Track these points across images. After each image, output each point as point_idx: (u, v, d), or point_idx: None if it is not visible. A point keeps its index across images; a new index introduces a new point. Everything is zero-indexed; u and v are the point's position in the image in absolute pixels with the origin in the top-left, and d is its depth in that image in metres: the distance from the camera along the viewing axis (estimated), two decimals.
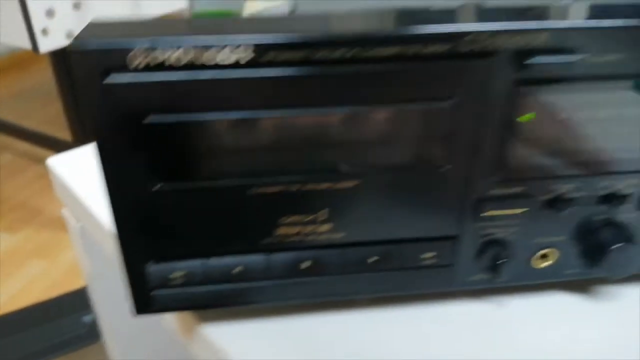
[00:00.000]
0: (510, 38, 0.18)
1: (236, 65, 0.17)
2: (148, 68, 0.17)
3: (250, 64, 0.17)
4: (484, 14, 0.19)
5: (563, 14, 0.19)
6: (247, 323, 0.23)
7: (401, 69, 0.18)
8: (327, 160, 0.20)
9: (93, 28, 0.18)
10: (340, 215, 0.21)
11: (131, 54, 0.17)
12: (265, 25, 0.18)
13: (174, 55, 0.17)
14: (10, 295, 1.14)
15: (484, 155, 0.20)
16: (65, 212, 0.39)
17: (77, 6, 1.14)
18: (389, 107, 0.19)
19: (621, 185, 0.22)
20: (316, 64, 0.17)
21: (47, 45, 1.11)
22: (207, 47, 0.17)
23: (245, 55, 0.17)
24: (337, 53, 0.17)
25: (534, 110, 0.19)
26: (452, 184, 0.21)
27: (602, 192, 0.22)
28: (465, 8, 0.19)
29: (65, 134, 1.33)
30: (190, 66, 0.17)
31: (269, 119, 0.18)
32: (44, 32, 1.10)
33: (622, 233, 0.22)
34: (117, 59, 0.17)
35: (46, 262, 1.23)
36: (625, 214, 0.22)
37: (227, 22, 0.19)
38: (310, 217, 0.21)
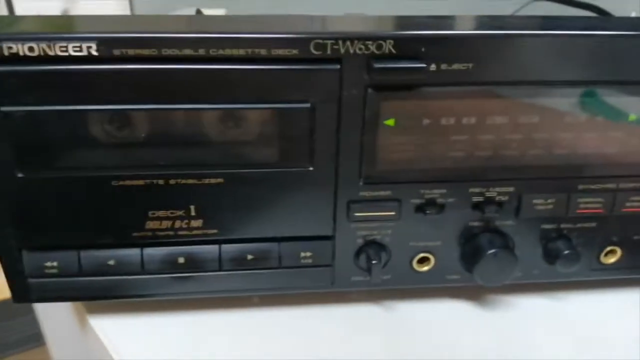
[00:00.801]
0: (356, 44, 0.18)
1: (88, 58, 0.17)
2: (3, 60, 0.17)
3: (101, 58, 0.18)
4: (345, 22, 0.19)
5: (426, 22, 0.19)
6: (137, 316, 0.24)
7: (253, 70, 0.18)
8: (192, 155, 0.20)
9: None
10: (210, 211, 0.21)
11: None
12: (124, 23, 0.18)
13: (25, 47, 0.17)
14: None
15: (348, 157, 0.20)
16: None
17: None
18: (244, 105, 0.19)
19: (494, 192, 0.22)
20: (165, 60, 0.18)
21: None
22: (56, 40, 0.17)
23: (92, 48, 0.17)
24: (186, 51, 0.18)
25: (394, 115, 0.20)
26: (320, 184, 0.21)
27: (475, 199, 0.22)
28: (331, 18, 0.20)
29: None
30: (44, 58, 0.17)
31: (129, 111, 0.19)
32: None
33: (498, 240, 0.22)
34: None
35: None
36: (503, 222, 0.23)
37: (89, 21, 0.19)
38: (180, 213, 0.21)
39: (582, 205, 0.22)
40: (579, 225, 0.23)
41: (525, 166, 0.21)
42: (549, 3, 0.40)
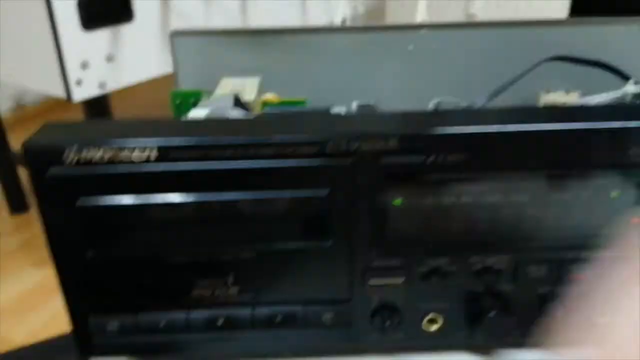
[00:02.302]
0: (365, 141, 0.22)
1: (147, 160, 0.22)
2: (79, 163, 0.22)
3: (158, 160, 0.22)
4: (349, 122, 0.23)
5: (424, 120, 0.23)
6: None
7: (281, 165, 0.22)
8: (229, 235, 0.24)
9: (45, 129, 0.23)
10: (244, 280, 0.25)
11: (65, 153, 0.21)
12: (174, 129, 0.23)
13: (97, 155, 0.21)
14: (31, 330, 1.20)
15: (362, 233, 0.24)
16: None
17: (110, 58, 1.24)
18: (276, 194, 0.23)
19: (491, 261, 0.25)
20: (212, 159, 0.22)
21: (80, 94, 1.21)
22: (122, 149, 0.21)
23: (152, 154, 0.21)
24: (228, 151, 0.22)
25: (402, 196, 0.23)
26: (339, 256, 0.24)
27: (475, 268, 0.25)
28: (346, 117, 0.24)
29: None
30: (111, 162, 0.22)
31: (180, 203, 0.23)
32: (78, 82, 1.20)
33: (499, 303, 0.25)
34: (55, 156, 0.21)
35: None
36: (503, 285, 0.25)
37: (148, 126, 0.23)
38: (220, 281, 0.25)
39: (573, 272, 0.25)
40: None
41: (519, 239, 0.24)
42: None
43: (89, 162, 0.22)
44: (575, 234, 0.24)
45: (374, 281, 0.25)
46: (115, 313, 0.25)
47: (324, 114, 0.24)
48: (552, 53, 0.42)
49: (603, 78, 0.43)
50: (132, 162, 0.22)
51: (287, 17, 1.69)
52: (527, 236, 0.24)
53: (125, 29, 1.25)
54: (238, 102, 0.32)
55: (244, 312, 0.25)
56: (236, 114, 0.26)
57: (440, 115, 0.23)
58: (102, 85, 1.24)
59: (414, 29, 0.43)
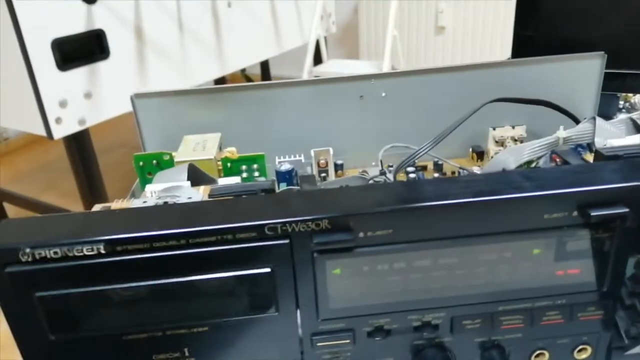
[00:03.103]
0: (300, 224, 0.23)
1: (97, 254, 0.23)
2: (33, 261, 0.23)
3: (107, 254, 0.23)
4: (285, 205, 0.25)
5: (352, 200, 0.25)
6: None
7: (225, 249, 0.24)
8: (182, 312, 0.25)
9: (4, 227, 0.25)
10: (200, 351, 0.26)
11: (20, 252, 0.23)
12: (121, 222, 0.24)
13: (50, 253, 0.23)
14: None
15: (306, 301, 0.26)
16: None
17: (88, 95, 1.26)
18: (220, 275, 0.24)
19: (429, 317, 0.27)
20: (157, 250, 0.23)
21: (60, 132, 1.22)
22: (72, 246, 0.23)
23: (100, 248, 0.23)
24: (171, 242, 0.23)
25: (339, 266, 0.25)
26: (287, 325, 0.26)
27: (415, 324, 0.27)
28: (286, 196, 0.25)
29: (79, 207, 1.43)
30: (63, 258, 0.23)
31: (132, 287, 0.24)
32: (57, 120, 1.22)
33: (439, 354, 0.27)
34: (10, 256, 0.23)
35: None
36: (445, 338, 0.27)
37: (96, 220, 0.25)
38: (176, 355, 0.26)
39: (505, 322, 0.27)
40: (506, 336, 0.27)
41: (452, 296, 0.26)
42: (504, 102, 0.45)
43: (42, 260, 0.23)
44: (503, 288, 0.26)
45: (321, 343, 0.27)
46: None
47: (262, 198, 0.26)
48: (499, 92, 0.45)
49: (546, 112, 0.45)
50: (83, 257, 0.23)
51: (263, 43, 1.72)
52: (459, 293, 0.26)
53: (102, 66, 1.27)
54: (193, 170, 0.33)
55: None
56: (187, 193, 0.28)
57: (370, 190, 0.25)
58: (81, 121, 1.25)
59: (364, 79, 0.45)
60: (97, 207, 0.29)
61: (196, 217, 0.24)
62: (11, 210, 1.67)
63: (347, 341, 0.27)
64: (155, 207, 0.26)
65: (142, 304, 0.25)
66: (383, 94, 0.45)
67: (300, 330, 0.26)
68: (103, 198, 1.36)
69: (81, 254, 0.23)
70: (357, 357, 0.27)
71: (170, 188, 0.29)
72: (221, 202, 0.25)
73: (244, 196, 0.27)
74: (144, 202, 0.27)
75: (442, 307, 0.26)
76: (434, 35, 1.85)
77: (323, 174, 0.45)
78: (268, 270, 0.24)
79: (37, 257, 0.23)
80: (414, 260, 0.25)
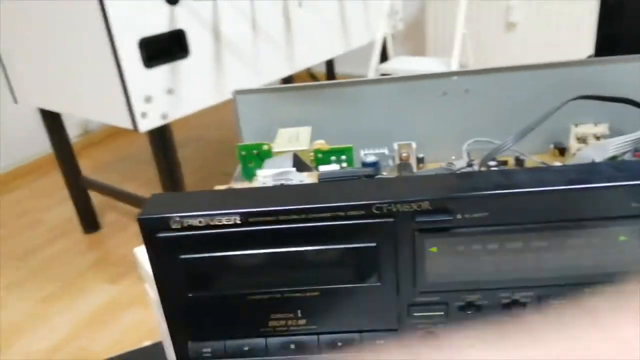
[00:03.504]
0: (402, 205, 0.27)
1: (233, 225, 0.28)
2: (181, 229, 0.28)
3: (241, 224, 0.28)
4: (389, 187, 0.28)
5: (450, 184, 0.28)
6: None
7: (337, 224, 0.28)
8: (299, 279, 0.30)
9: (154, 200, 0.30)
10: (311, 314, 0.30)
11: (170, 221, 0.28)
12: (251, 198, 0.29)
13: (195, 222, 0.28)
14: (105, 345, 1.32)
15: (406, 275, 0.29)
16: (147, 287, 0.51)
17: (170, 92, 1.35)
18: (333, 247, 0.28)
19: (518, 296, 0.29)
20: (282, 222, 0.28)
21: (145, 125, 1.33)
22: (213, 217, 0.28)
23: (236, 220, 0.28)
24: (293, 216, 0.27)
25: (437, 245, 0.28)
26: (387, 294, 0.29)
27: (504, 301, 0.29)
28: (388, 182, 0.29)
29: None
30: (205, 227, 0.28)
31: (260, 254, 0.29)
32: (143, 115, 1.32)
33: None
34: (163, 224, 0.28)
35: (142, 313, 1.40)
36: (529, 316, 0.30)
37: (230, 197, 0.30)
38: (291, 315, 0.30)
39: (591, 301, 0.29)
40: None
41: (540, 277, 0.29)
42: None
43: (188, 227, 0.28)
44: (589, 272, 0.28)
45: (418, 314, 0.30)
46: (209, 340, 0.32)
47: (367, 181, 0.29)
48: (580, 90, 0.46)
49: (628, 110, 0.46)
50: (222, 226, 0.28)
51: (330, 42, 1.76)
52: (547, 275, 0.29)
53: (182, 64, 1.36)
54: (296, 160, 0.37)
55: (311, 339, 0.31)
56: (297, 177, 0.32)
57: (466, 179, 0.28)
58: (164, 116, 1.35)
59: (446, 76, 0.47)
60: (221, 187, 0.34)
61: (312, 196, 0.28)
62: (96, 197, 1.81)
63: (441, 313, 0.30)
64: (276, 187, 0.31)
65: (266, 269, 0.29)
66: (465, 90, 0.48)
67: (399, 301, 0.30)
68: (181, 188, 1.46)
69: (220, 223, 0.28)
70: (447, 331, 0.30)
71: (281, 173, 0.33)
72: (331, 184, 0.29)
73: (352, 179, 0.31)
74: (263, 183, 0.32)
75: (531, 286, 0.29)
76: (505, 32, 1.82)
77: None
78: (374, 244, 0.28)
79: (185, 225, 0.28)
80: (506, 242, 0.28)
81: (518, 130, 0.42)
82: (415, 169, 0.48)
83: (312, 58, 1.75)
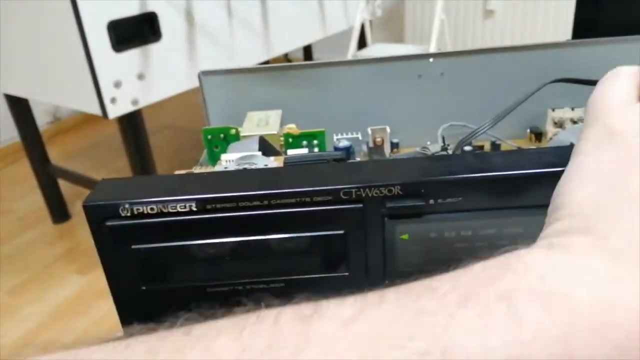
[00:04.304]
0: (371, 189, 0.25)
1: (188, 212, 0.26)
2: (132, 216, 0.26)
3: (197, 211, 0.26)
4: (358, 171, 0.26)
5: (423, 168, 0.26)
6: None
7: (303, 211, 0.26)
8: (263, 269, 0.28)
9: (103, 185, 0.27)
10: (276, 306, 0.28)
11: (120, 207, 0.26)
12: (209, 183, 0.27)
13: (146, 209, 0.26)
14: (75, 336, 1.28)
15: (375, 264, 0.27)
16: None
17: (140, 77, 1.31)
18: (297, 235, 0.26)
19: None
20: (242, 209, 0.26)
21: (115, 111, 1.28)
22: (166, 203, 0.25)
23: (192, 206, 0.25)
24: (255, 202, 0.25)
25: (408, 232, 0.26)
26: (355, 285, 0.28)
27: None
28: (357, 166, 0.27)
29: None
30: (158, 214, 0.26)
31: (219, 244, 0.27)
32: (112, 100, 1.27)
33: None
34: (111, 211, 0.26)
35: (112, 304, 1.36)
36: None
37: (186, 181, 0.27)
38: (254, 308, 0.28)
39: None
40: None
41: None
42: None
43: (139, 215, 0.26)
44: None
45: None
46: None
47: (336, 165, 0.27)
48: (558, 74, 0.45)
49: None
50: (176, 213, 0.26)
51: (308, 27, 1.73)
52: None
53: (154, 48, 1.31)
54: (263, 143, 0.35)
55: None
56: (262, 161, 0.30)
57: (438, 163, 0.27)
58: (134, 102, 1.30)
59: (421, 59, 0.46)
60: (180, 172, 0.31)
61: (276, 180, 0.26)
62: (65, 187, 1.76)
63: None
64: (238, 171, 0.28)
65: (226, 259, 0.27)
66: (441, 74, 0.46)
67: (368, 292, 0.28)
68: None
69: (175, 210, 0.26)
70: None
71: (246, 156, 0.31)
72: (298, 168, 0.27)
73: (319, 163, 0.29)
74: (225, 167, 0.30)
75: None
76: (483, 19, 1.82)
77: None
78: (341, 232, 0.26)
79: (135, 212, 0.26)
80: (480, 229, 0.26)
81: (494, 114, 0.41)
82: (388, 154, 0.46)
83: (290, 43, 1.72)
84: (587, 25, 0.44)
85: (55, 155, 1.85)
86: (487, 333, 0.14)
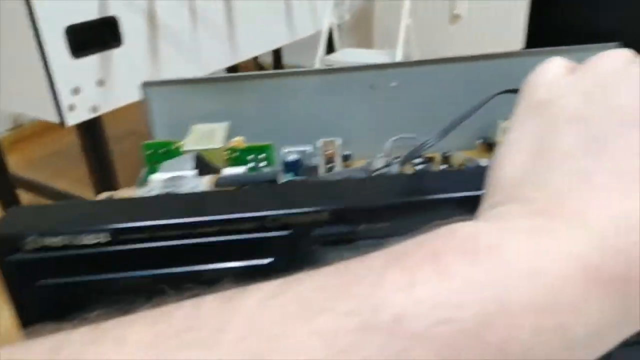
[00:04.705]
0: (298, 217, 0.23)
1: (99, 244, 0.23)
2: (37, 250, 0.23)
3: (109, 243, 0.23)
4: (286, 196, 0.25)
5: (354, 192, 0.25)
6: None
7: (226, 240, 0.24)
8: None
9: (12, 213, 0.25)
10: None
11: (24, 240, 0.23)
12: (124, 211, 0.24)
13: (53, 241, 0.23)
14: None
15: None
16: None
17: (100, 83, 1.27)
18: (222, 265, 0.24)
19: None
20: (159, 239, 0.24)
21: (73, 119, 1.23)
22: (75, 235, 0.23)
23: (103, 238, 0.23)
24: (172, 232, 0.23)
25: (339, 258, 0.25)
26: None
27: None
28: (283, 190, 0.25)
29: (90, 194, 1.45)
30: (67, 247, 0.23)
31: (133, 276, 0.24)
32: (71, 107, 1.22)
33: None
34: (15, 244, 0.23)
35: None
36: None
37: (100, 209, 0.25)
38: None
39: None
40: None
41: None
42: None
43: (46, 248, 0.23)
44: None
45: None
46: None
47: (265, 188, 0.26)
48: (510, 83, 0.44)
49: None
50: (85, 246, 0.23)
51: (275, 31, 1.71)
52: None
53: (115, 53, 1.27)
54: (200, 160, 0.33)
55: None
56: (191, 183, 0.28)
57: (369, 185, 0.25)
58: (94, 109, 1.26)
59: (375, 69, 0.44)
60: (102, 196, 0.29)
61: (198, 207, 0.24)
62: (24, 197, 1.70)
63: None
64: (158, 197, 0.26)
65: (144, 293, 0.25)
66: (393, 84, 0.45)
67: None
68: (114, 185, 1.38)
69: (83, 243, 0.23)
70: None
71: (174, 177, 0.29)
72: (223, 193, 0.25)
73: (246, 187, 0.27)
74: (149, 191, 0.27)
75: None
76: (449, 24, 1.83)
77: (330, 165, 0.44)
78: (269, 261, 0.24)
79: (42, 245, 0.23)
80: None
81: (446, 124, 0.40)
82: (340, 168, 0.45)
83: (257, 48, 1.70)
84: (539, 33, 0.44)
85: (15, 163, 1.78)
86: (416, 287, 0.14)
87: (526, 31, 0.49)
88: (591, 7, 0.47)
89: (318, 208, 0.23)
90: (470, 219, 0.17)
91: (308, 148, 0.45)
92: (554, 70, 0.21)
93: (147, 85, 0.46)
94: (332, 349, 0.13)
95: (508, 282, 0.13)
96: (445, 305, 0.13)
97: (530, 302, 0.13)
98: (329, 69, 0.46)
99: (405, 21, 1.45)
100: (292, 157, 0.42)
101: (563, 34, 0.49)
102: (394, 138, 0.42)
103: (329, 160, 0.44)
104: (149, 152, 0.41)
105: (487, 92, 0.43)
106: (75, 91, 1.23)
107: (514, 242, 0.14)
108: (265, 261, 0.24)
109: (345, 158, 0.45)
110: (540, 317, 0.13)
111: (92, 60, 1.24)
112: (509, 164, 0.18)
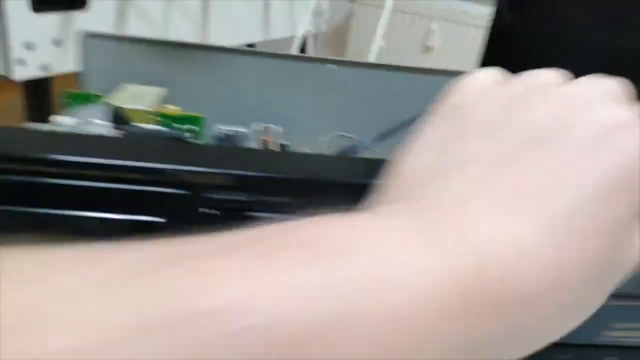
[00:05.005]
0: (202, 175, 0.22)
1: None
2: None
3: None
4: (189, 155, 0.23)
5: (263, 161, 0.23)
6: None
7: (121, 188, 0.22)
8: None
9: None
10: None
11: None
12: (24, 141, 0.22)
13: None
14: None
15: None
16: None
17: (57, 43, 1.21)
18: (116, 215, 0.23)
19: None
20: (47, 176, 0.21)
21: (21, 74, 1.17)
22: None
23: None
24: (61, 169, 0.21)
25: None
26: None
27: None
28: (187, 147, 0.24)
29: None
30: None
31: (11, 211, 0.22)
32: (20, 62, 1.16)
33: None
34: None
35: None
36: None
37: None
38: None
39: None
40: None
41: None
42: None
43: None
44: None
45: None
46: None
47: (172, 145, 0.24)
48: None
49: None
50: None
51: (250, 25, 1.69)
52: None
53: (78, 17, 1.22)
54: (118, 115, 0.31)
55: None
56: (98, 129, 0.26)
57: (280, 158, 0.24)
58: (44, 67, 1.20)
59: (327, 63, 0.44)
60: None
61: (94, 148, 0.23)
62: None
63: None
64: (51, 133, 0.24)
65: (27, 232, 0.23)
66: (345, 82, 0.44)
67: None
68: None
69: None
70: None
71: (83, 122, 0.27)
72: (126, 141, 0.24)
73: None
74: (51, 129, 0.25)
75: None
76: (421, 54, 1.87)
77: None
78: (164, 219, 0.23)
79: None
80: None
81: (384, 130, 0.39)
82: None
83: (229, 38, 1.67)
84: (493, 60, 0.45)
85: None
86: (243, 280, 0.12)
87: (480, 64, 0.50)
88: (541, 53, 0.49)
89: (217, 170, 0.22)
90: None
91: (244, 129, 0.43)
92: (481, 78, 0.20)
93: (88, 36, 0.43)
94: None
95: (349, 292, 0.12)
96: (262, 309, 0.11)
97: (376, 316, 0.12)
98: (284, 55, 0.45)
99: (378, 43, 1.47)
100: (221, 134, 0.41)
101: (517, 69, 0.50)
102: (333, 134, 0.41)
103: (264, 146, 0.43)
104: (67, 101, 0.38)
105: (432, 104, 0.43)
106: (28, 46, 1.17)
107: (383, 247, 0.13)
108: (161, 219, 0.23)
109: (282, 147, 0.44)
110: (389, 335, 0.12)
111: (52, 19, 1.19)
112: (414, 162, 0.18)
